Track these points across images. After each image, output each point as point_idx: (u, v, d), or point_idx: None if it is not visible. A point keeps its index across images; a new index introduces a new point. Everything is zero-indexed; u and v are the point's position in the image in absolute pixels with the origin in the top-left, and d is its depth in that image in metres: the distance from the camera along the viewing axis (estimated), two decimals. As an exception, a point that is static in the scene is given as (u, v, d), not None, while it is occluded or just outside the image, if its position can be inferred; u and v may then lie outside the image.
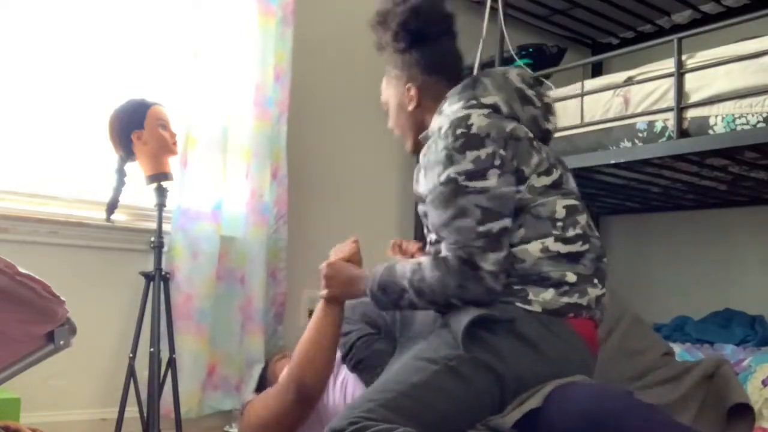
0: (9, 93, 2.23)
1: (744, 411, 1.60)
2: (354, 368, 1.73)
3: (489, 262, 1.40)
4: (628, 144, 2.25)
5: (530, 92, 1.57)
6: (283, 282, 2.52)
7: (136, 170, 2.19)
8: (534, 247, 1.43)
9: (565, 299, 1.41)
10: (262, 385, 2.19)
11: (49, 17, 2.30)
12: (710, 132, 2.04)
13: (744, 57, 1.97)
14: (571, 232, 1.46)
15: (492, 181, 1.42)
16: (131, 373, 2.01)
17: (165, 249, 2.17)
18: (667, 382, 1.71)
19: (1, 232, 2.08)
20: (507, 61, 2.68)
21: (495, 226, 1.41)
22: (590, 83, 2.41)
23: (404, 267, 1.50)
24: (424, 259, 1.48)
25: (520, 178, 1.46)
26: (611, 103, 2.29)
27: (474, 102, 1.52)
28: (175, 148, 2.20)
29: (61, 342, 1.18)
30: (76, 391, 2.18)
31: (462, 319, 1.37)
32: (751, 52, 1.96)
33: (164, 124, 2.17)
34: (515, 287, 1.42)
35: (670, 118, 2.11)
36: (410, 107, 1.66)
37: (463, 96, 1.55)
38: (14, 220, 2.11)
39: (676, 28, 3.28)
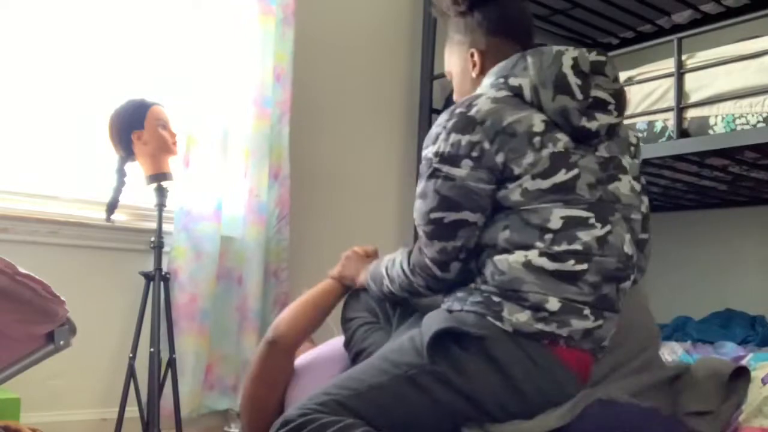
0: (9, 93, 2.23)
1: (737, 375, 1.46)
2: (354, 359, 1.73)
3: (433, 249, 1.36)
4: (628, 144, 2.25)
5: (574, 80, 1.36)
6: (286, 282, 2.52)
7: (137, 170, 2.19)
8: (515, 259, 1.30)
9: (540, 326, 1.27)
10: None
11: (49, 17, 2.30)
12: (710, 132, 2.04)
13: (744, 57, 1.98)
14: (562, 247, 1.29)
15: (462, 171, 1.32)
16: (131, 373, 2.01)
17: (168, 249, 2.17)
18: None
19: (1, 232, 2.08)
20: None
21: (448, 216, 1.34)
22: (590, 83, 2.40)
23: (391, 255, 1.51)
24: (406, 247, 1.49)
25: (507, 177, 1.33)
26: (611, 103, 2.29)
27: (501, 81, 1.39)
28: (175, 148, 2.20)
29: (61, 342, 1.18)
30: (76, 391, 2.18)
31: (432, 327, 1.31)
32: (751, 52, 1.96)
33: (164, 124, 2.17)
34: (494, 299, 1.31)
35: (670, 118, 2.11)
36: (474, 74, 1.52)
37: (500, 71, 1.42)
38: (14, 220, 2.11)
39: (676, 28, 3.28)
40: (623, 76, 2.30)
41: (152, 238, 2.12)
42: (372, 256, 1.73)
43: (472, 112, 1.34)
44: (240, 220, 2.46)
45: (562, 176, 1.32)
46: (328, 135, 2.84)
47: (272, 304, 2.50)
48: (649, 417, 1.27)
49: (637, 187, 1.43)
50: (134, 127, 2.13)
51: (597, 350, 1.35)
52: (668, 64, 2.15)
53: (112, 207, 2.17)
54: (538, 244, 1.29)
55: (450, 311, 1.34)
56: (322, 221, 2.78)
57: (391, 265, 1.49)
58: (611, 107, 1.39)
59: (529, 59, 1.40)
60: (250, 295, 2.41)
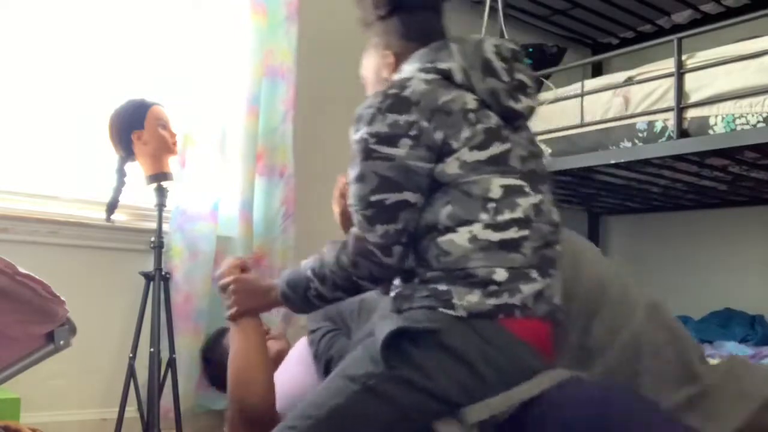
0: (9, 93, 2.23)
1: None
2: (326, 370, 1.68)
3: (376, 233, 1.33)
4: (628, 144, 2.25)
5: (499, 64, 1.41)
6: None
7: (137, 170, 2.19)
8: (461, 238, 1.29)
9: (492, 301, 1.26)
10: (214, 349, 2.16)
11: (49, 17, 2.30)
12: (710, 132, 2.04)
13: (744, 57, 1.97)
14: (505, 216, 1.31)
15: (402, 150, 1.32)
16: (131, 373, 2.01)
17: (164, 249, 2.17)
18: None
19: (1, 232, 2.08)
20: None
21: (390, 197, 1.32)
22: (590, 83, 2.41)
23: (310, 258, 1.44)
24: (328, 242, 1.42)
25: (445, 153, 1.33)
26: (611, 103, 2.29)
27: (428, 65, 1.41)
28: (175, 148, 2.20)
29: (61, 342, 1.18)
30: (76, 391, 2.18)
31: (384, 330, 1.27)
32: (751, 52, 1.96)
33: (164, 124, 2.17)
34: (440, 288, 1.28)
35: (670, 118, 2.11)
36: (385, 75, 1.54)
37: (423, 58, 1.46)
38: (14, 220, 2.11)
39: (676, 28, 3.27)
40: (623, 75, 2.30)
41: (152, 238, 2.11)
42: (246, 268, 1.68)
43: (406, 92, 1.35)
44: (236, 220, 2.46)
45: (497, 148, 1.35)
46: (331, 133, 2.83)
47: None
48: (629, 399, 1.25)
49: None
50: (134, 127, 2.13)
51: (554, 312, 1.35)
52: (668, 64, 2.15)
53: (112, 207, 2.17)
54: (483, 216, 1.30)
55: (399, 311, 1.31)
56: (324, 220, 2.77)
57: (319, 264, 1.41)
58: (530, 91, 1.45)
59: (453, 46, 1.44)
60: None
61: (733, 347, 2.48)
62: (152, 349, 2.01)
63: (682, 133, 2.09)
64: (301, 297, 1.44)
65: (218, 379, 2.05)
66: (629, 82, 2.27)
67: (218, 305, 2.36)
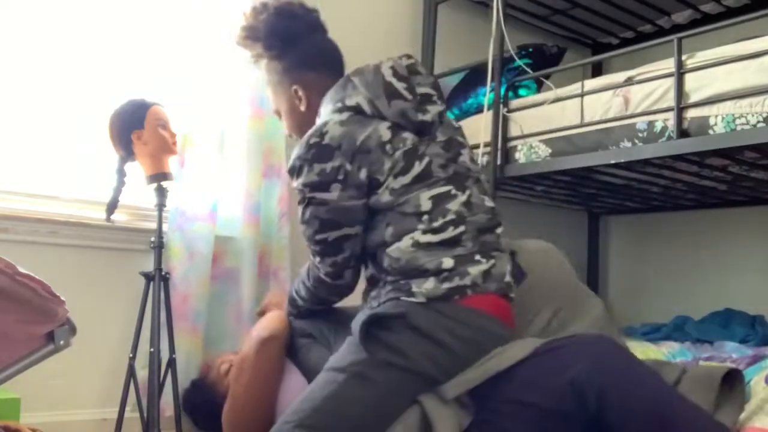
0: (9, 93, 2.23)
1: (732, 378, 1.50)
2: (309, 380, 1.75)
3: (325, 264, 1.57)
4: (628, 144, 2.25)
5: (400, 85, 1.55)
6: (286, 281, 2.51)
7: (137, 170, 2.19)
8: (405, 244, 1.46)
9: (446, 285, 1.42)
10: (197, 398, 2.07)
11: (49, 17, 2.30)
12: (710, 132, 2.04)
13: (744, 57, 1.97)
14: (439, 221, 1.47)
15: (334, 194, 1.49)
16: (131, 373, 2.01)
17: (164, 249, 2.17)
18: None
19: (1, 232, 2.08)
20: (507, 61, 2.68)
21: (332, 235, 1.52)
22: (590, 83, 2.41)
23: (300, 274, 1.75)
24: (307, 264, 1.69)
25: (375, 187, 1.50)
26: (611, 103, 2.29)
27: (339, 105, 1.55)
28: (175, 148, 2.20)
29: (61, 342, 1.18)
30: (76, 391, 2.18)
31: (358, 322, 1.43)
32: (751, 52, 1.96)
33: (164, 124, 2.17)
34: (401, 282, 1.45)
35: (670, 118, 2.11)
36: (302, 108, 1.70)
37: (333, 98, 1.58)
38: (14, 220, 2.11)
39: (676, 28, 3.27)
40: (623, 75, 2.30)
41: (152, 238, 2.11)
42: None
43: (326, 140, 1.49)
44: (237, 221, 2.45)
45: (418, 167, 1.51)
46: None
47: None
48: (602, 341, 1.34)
49: (474, 158, 1.67)
50: (134, 127, 2.13)
51: (505, 289, 1.50)
52: (668, 64, 2.15)
53: (112, 207, 2.17)
54: (420, 226, 1.47)
55: (371, 308, 1.48)
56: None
57: (299, 285, 1.73)
58: (435, 98, 1.60)
59: (354, 80, 1.57)
60: (244, 297, 2.39)
61: (733, 348, 2.48)
62: (152, 349, 2.01)
63: (682, 133, 2.09)
64: (297, 310, 1.81)
65: (210, 419, 2.00)
66: (629, 82, 2.27)
67: (216, 306, 2.38)
